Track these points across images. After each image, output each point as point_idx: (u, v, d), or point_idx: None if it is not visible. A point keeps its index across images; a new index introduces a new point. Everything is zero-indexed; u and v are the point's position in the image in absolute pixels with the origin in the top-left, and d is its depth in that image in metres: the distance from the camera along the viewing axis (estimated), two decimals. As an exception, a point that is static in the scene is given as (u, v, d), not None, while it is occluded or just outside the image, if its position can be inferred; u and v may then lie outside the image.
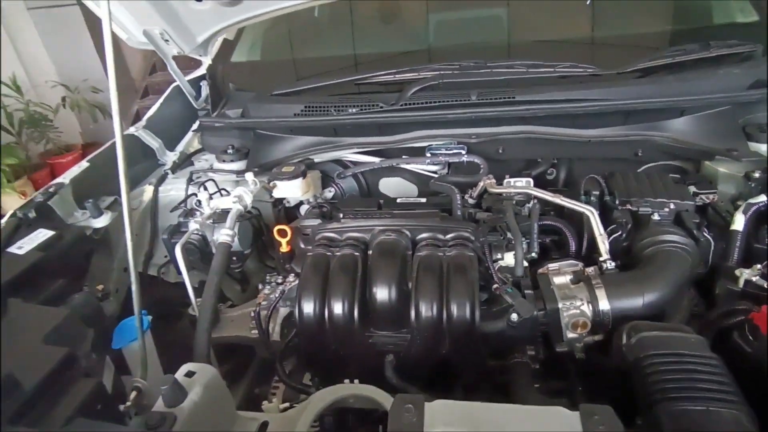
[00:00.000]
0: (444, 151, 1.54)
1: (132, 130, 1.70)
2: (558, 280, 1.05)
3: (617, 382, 1.01)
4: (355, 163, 1.66)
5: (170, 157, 1.74)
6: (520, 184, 1.34)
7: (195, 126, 1.82)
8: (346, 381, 0.97)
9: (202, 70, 1.99)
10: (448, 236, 1.12)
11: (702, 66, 1.47)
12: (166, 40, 1.60)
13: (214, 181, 1.51)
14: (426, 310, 1.01)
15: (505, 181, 1.37)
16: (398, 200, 1.47)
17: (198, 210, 1.42)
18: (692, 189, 1.27)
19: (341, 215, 1.32)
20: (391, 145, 1.55)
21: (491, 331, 1.02)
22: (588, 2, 1.76)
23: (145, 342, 0.97)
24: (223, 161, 1.66)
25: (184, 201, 1.50)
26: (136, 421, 0.85)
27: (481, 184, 1.37)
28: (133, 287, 0.96)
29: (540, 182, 1.37)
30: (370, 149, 1.60)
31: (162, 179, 1.61)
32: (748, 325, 0.91)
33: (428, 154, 1.55)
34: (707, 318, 1.00)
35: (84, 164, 1.46)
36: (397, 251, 1.09)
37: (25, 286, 1.02)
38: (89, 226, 1.32)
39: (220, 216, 1.40)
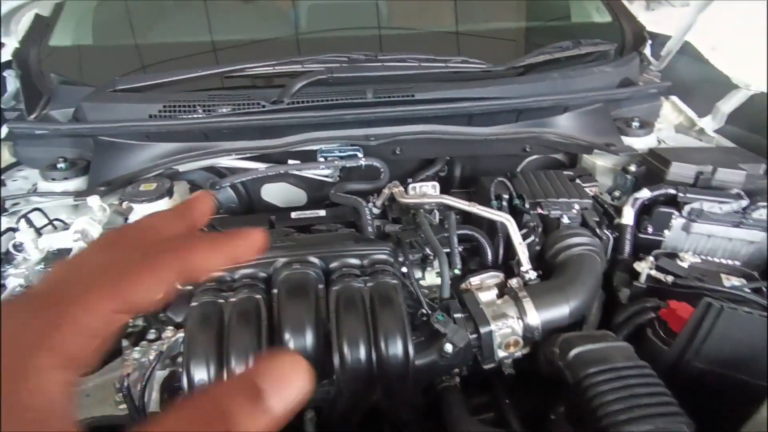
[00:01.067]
0: (338, 154, 1.39)
1: None
2: (484, 296, 0.98)
3: (540, 385, 1.00)
4: (232, 170, 1.41)
5: (-34, 178, 1.27)
6: (426, 190, 1.25)
7: (3, 133, 1.35)
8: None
9: (5, 56, 1.50)
10: (365, 261, 0.97)
11: (573, 63, 1.55)
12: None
13: (40, 210, 1.13)
14: (352, 354, 0.85)
15: (410, 186, 1.27)
16: (293, 215, 1.27)
17: (19, 254, 1.04)
18: (577, 182, 1.32)
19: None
20: (277, 149, 1.33)
21: (423, 365, 0.91)
22: None
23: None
24: (53, 180, 1.26)
25: (-5, 241, 1.10)
26: None
27: (386, 191, 1.25)
28: None
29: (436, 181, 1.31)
30: (250, 155, 1.36)
31: (-46, 210, 1.16)
32: (658, 321, 0.95)
33: (321, 158, 1.38)
34: (617, 317, 1.03)
35: None
36: (309, 287, 0.91)
37: None
38: None
39: (56, 258, 1.05)
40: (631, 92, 1.46)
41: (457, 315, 0.94)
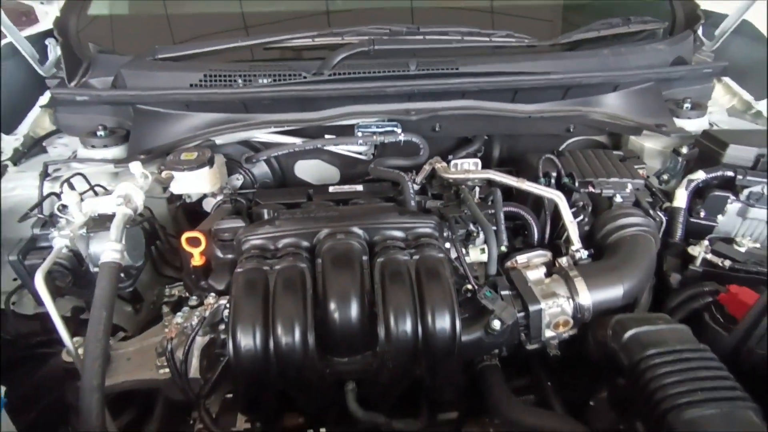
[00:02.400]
0: (376, 129, 1.35)
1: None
2: (532, 275, 0.95)
3: (584, 370, 0.97)
4: (267, 145, 1.39)
5: (9, 143, 1.27)
6: (469, 167, 1.22)
7: (43, 100, 1.35)
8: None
9: (46, 25, 1.50)
10: (409, 235, 0.95)
11: (624, 40, 1.48)
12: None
13: (82, 175, 1.13)
14: (398, 326, 0.83)
15: (452, 163, 1.24)
16: (330, 189, 1.25)
17: (63, 217, 1.04)
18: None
19: (266, 212, 1.07)
20: (317, 122, 1.31)
21: (468, 342, 0.89)
22: None
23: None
24: (93, 147, 1.27)
25: (39, 205, 1.10)
26: None
27: (427, 167, 1.21)
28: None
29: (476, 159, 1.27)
30: (287, 128, 1.34)
31: (2, 171, 1.17)
32: (716, 306, 0.91)
33: (359, 133, 1.35)
34: (671, 300, 0.99)
35: None
36: (354, 258, 0.89)
37: None
38: None
39: (98, 223, 1.05)
40: (685, 71, 1.39)
41: (505, 292, 0.92)
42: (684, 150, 1.28)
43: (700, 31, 1.62)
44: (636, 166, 1.27)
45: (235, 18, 1.67)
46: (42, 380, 1.09)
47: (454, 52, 1.35)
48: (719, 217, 1.17)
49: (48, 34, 1.46)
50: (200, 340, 0.98)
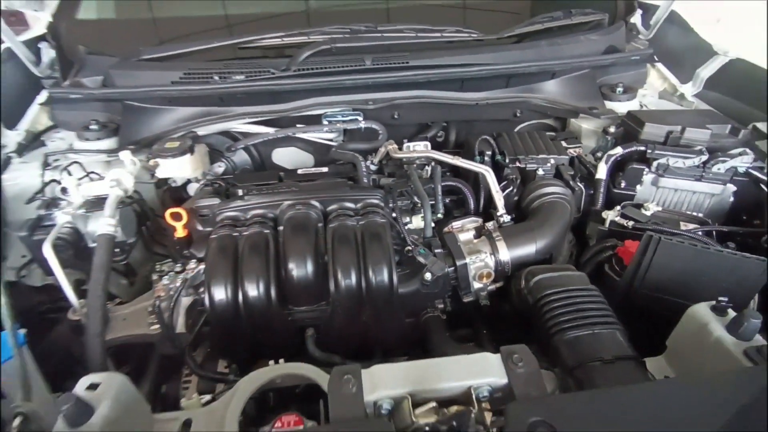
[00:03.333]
0: (341, 119, 1.52)
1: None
2: (463, 236, 1.12)
3: (516, 321, 1.15)
4: (245, 134, 1.55)
5: (12, 138, 1.43)
6: (419, 148, 1.38)
7: (41, 98, 1.52)
8: (271, 363, 0.94)
9: (39, 30, 1.65)
10: (359, 205, 1.12)
11: (564, 32, 1.64)
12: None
13: (79, 163, 1.30)
14: (345, 280, 1.01)
15: (405, 145, 1.41)
16: (299, 171, 1.42)
17: (63, 198, 1.21)
18: (563, 144, 1.44)
19: (241, 192, 1.24)
20: (286, 113, 1.47)
21: (407, 292, 1.07)
22: None
23: (24, 359, 0.82)
24: (87, 140, 1.43)
25: (42, 190, 1.27)
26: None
27: (383, 149, 1.38)
28: (2, 296, 0.79)
29: (432, 145, 1.43)
30: (261, 119, 1.50)
31: (5, 164, 1.33)
32: (615, 258, 1.08)
33: (325, 122, 1.51)
34: (583, 256, 1.17)
35: None
36: (309, 225, 1.06)
37: None
38: None
39: (94, 204, 1.22)
40: (614, 58, 1.55)
41: (438, 250, 1.09)
42: (612, 129, 1.45)
43: (639, 22, 1.78)
44: (572, 146, 1.45)
45: (218, 20, 1.82)
46: (51, 342, 1.26)
47: (408, 48, 1.51)
48: (638, 187, 1.33)
49: (41, 38, 1.61)
50: (185, 301, 1.16)
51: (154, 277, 1.29)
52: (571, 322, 0.88)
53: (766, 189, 1.20)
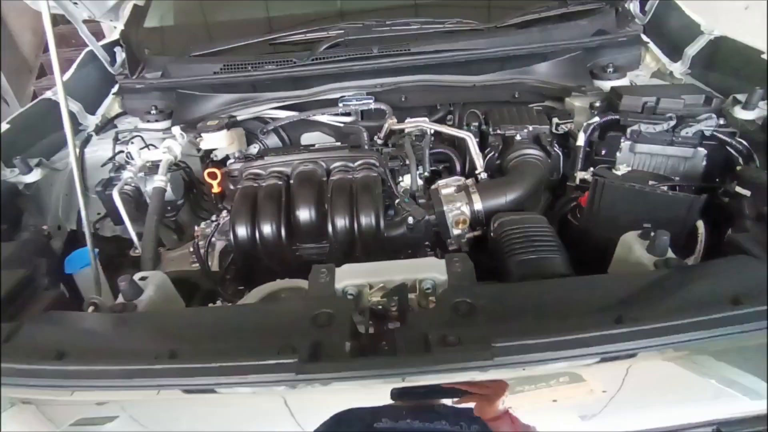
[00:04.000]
0: (354, 102, 1.75)
1: (49, 94, 1.73)
2: (444, 191, 1.31)
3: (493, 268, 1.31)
4: (276, 119, 1.82)
5: (91, 121, 1.79)
6: (418, 121, 1.59)
7: (114, 89, 1.87)
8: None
9: (114, 36, 2.02)
10: (357, 163, 1.35)
11: (562, 21, 1.79)
12: (75, 3, 1.64)
13: (141, 137, 1.61)
14: (340, 223, 1.23)
15: (406, 120, 1.62)
16: (317, 145, 1.67)
17: (128, 163, 1.52)
18: (556, 120, 1.59)
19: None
20: (307, 98, 1.73)
21: (394, 235, 1.27)
22: None
23: (96, 267, 1.11)
24: (148, 121, 1.75)
25: (113, 157, 1.59)
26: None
27: (386, 125, 1.60)
28: (83, 213, 1.08)
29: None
30: (287, 103, 1.76)
31: (87, 140, 1.68)
32: (577, 206, 1.23)
33: (341, 105, 1.75)
34: (554, 208, 1.32)
35: (5, 125, 1.50)
36: (315, 178, 1.30)
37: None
38: (20, 181, 1.39)
39: (151, 169, 1.52)
40: (600, 40, 1.68)
41: (422, 201, 1.29)
42: (597, 104, 1.58)
43: (637, 8, 1.89)
44: (564, 121, 1.59)
45: (261, 22, 2.12)
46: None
47: (411, 38, 1.72)
48: (618, 154, 1.46)
49: (116, 43, 1.98)
50: (219, 245, 1.43)
51: (196, 228, 1.58)
52: (521, 248, 1.04)
53: (732, 151, 1.30)
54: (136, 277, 0.99)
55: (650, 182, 1.30)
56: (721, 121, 1.35)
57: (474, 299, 0.79)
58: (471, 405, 0.64)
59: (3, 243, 1.06)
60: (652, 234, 0.92)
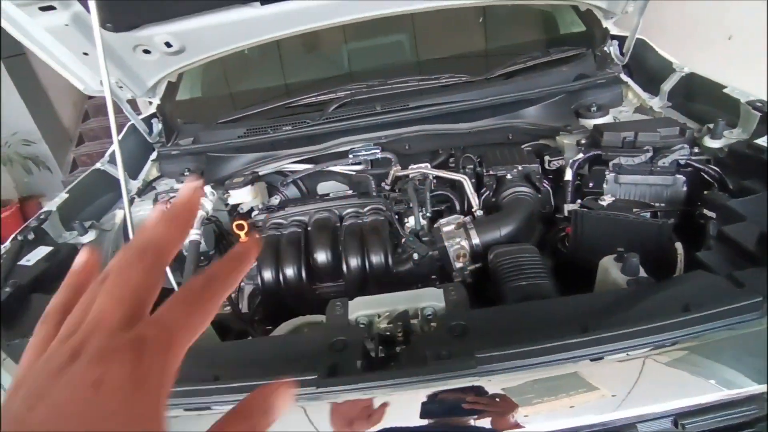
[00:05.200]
0: (363, 153, 1.95)
1: (98, 165, 1.99)
2: (446, 228, 1.46)
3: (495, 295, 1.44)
4: (294, 172, 2.03)
5: (134, 185, 2.03)
6: (421, 168, 1.77)
7: (153, 156, 2.12)
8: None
9: (150, 110, 2.30)
10: (366, 209, 1.52)
11: (546, 68, 1.98)
12: (121, 87, 1.92)
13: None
14: (353, 262, 1.39)
15: (409, 167, 1.80)
16: (330, 194, 1.85)
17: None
18: (547, 158, 1.74)
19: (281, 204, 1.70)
20: (320, 152, 1.93)
21: (403, 270, 1.42)
22: (480, 20, 2.27)
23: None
24: (182, 182, 1.98)
25: (154, 216, 1.81)
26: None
27: (392, 172, 1.78)
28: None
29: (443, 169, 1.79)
30: (303, 158, 1.97)
31: (131, 202, 1.90)
32: (565, 235, 1.36)
33: (351, 156, 1.95)
34: (545, 238, 1.45)
35: (64, 195, 1.74)
36: (329, 224, 1.48)
37: (36, 290, 1.31)
38: (78, 242, 1.60)
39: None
40: (581, 84, 1.86)
41: (425, 238, 1.44)
42: (583, 141, 1.74)
43: (617, 51, 2.07)
44: (555, 159, 1.75)
45: (279, 88, 2.39)
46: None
47: (411, 94, 1.93)
48: (605, 186, 1.60)
49: (152, 116, 2.26)
50: (247, 288, 1.60)
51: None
52: (514, 276, 1.17)
53: (706, 176, 1.42)
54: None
55: (634, 209, 1.44)
56: (696, 150, 1.49)
57: (467, 321, 0.92)
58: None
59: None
60: (625, 256, 1.04)
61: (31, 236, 1.46)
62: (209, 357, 0.97)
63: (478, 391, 0.77)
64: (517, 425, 0.73)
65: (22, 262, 1.35)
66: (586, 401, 0.77)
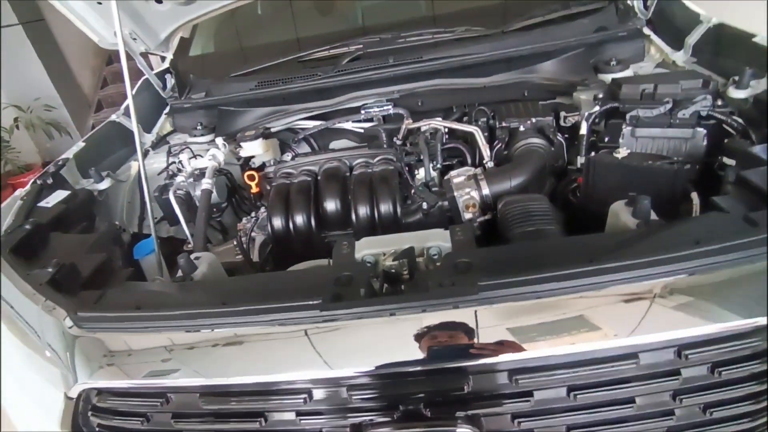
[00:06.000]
0: (375, 108, 1.92)
1: (113, 117, 2.01)
2: (456, 180, 1.45)
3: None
4: (305, 129, 2.02)
5: (148, 138, 2.05)
6: (432, 121, 1.74)
7: (166, 111, 2.13)
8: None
9: (164, 66, 2.30)
10: (376, 159, 1.51)
11: (565, 21, 1.91)
12: (134, 39, 1.92)
13: (190, 149, 1.85)
14: (362, 211, 1.39)
15: (422, 121, 1.77)
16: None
17: (180, 170, 1.75)
18: (563, 113, 1.70)
19: (292, 155, 1.70)
20: (332, 107, 1.92)
21: (411, 221, 1.42)
22: None
23: (159, 254, 1.32)
24: (195, 136, 1.99)
25: (167, 167, 1.83)
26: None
27: (403, 126, 1.76)
28: (148, 210, 1.30)
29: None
30: (315, 113, 1.96)
31: (145, 155, 1.93)
32: (576, 186, 1.34)
33: (363, 112, 1.93)
34: (557, 190, 1.43)
35: (81, 144, 1.77)
36: (339, 173, 1.48)
37: (55, 229, 1.35)
38: (95, 189, 1.64)
39: (199, 175, 1.74)
40: (600, 36, 1.79)
41: (435, 189, 1.43)
42: (600, 95, 1.68)
43: (639, 5, 1.98)
44: (571, 114, 1.70)
45: (291, 43, 2.35)
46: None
47: (424, 47, 1.89)
48: (620, 140, 1.56)
49: (166, 71, 2.26)
50: (259, 239, 1.62)
51: (238, 225, 1.79)
52: (521, 221, 1.17)
53: (728, 128, 1.37)
54: (192, 257, 1.18)
55: (649, 161, 1.40)
56: (719, 102, 1.43)
57: (472, 258, 0.92)
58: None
59: (86, 235, 1.29)
60: (636, 199, 1.02)
61: (50, 181, 1.50)
62: (220, 287, 0.99)
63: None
64: (520, 348, 0.73)
65: (42, 203, 1.39)
66: (589, 340, 0.77)
